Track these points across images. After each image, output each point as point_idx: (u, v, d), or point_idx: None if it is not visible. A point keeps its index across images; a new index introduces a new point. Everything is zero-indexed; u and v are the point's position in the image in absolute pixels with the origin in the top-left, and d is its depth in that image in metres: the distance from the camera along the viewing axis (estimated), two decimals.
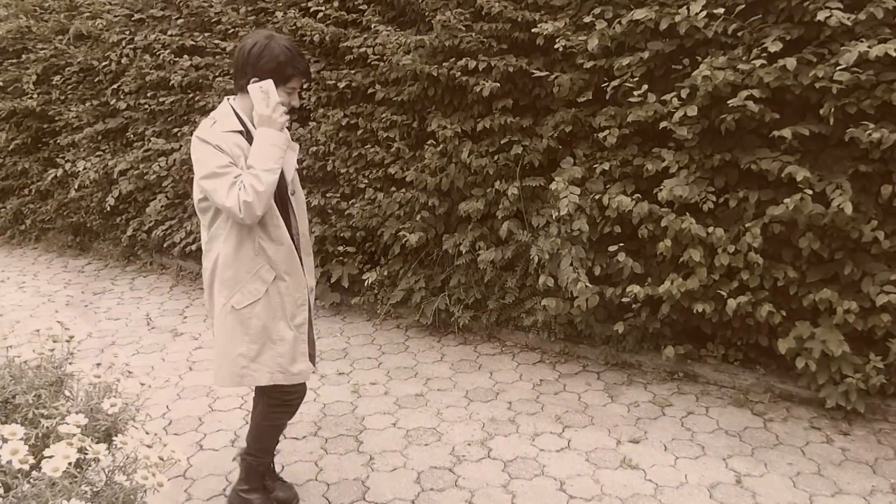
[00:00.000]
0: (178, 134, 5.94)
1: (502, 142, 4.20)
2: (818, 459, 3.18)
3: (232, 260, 2.45)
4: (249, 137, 2.42)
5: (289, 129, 2.64)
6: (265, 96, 2.34)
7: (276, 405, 2.67)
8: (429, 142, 4.44)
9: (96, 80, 6.65)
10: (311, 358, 2.71)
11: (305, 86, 2.51)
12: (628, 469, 3.13)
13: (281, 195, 2.53)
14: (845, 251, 3.47)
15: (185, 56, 5.72)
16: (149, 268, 6.54)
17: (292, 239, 2.56)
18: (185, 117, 5.99)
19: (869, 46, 2.99)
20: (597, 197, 3.88)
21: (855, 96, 3.20)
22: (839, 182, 3.31)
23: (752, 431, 3.44)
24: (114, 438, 1.71)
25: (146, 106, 6.19)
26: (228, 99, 2.50)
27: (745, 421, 3.53)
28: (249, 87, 2.36)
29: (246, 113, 2.46)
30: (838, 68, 3.12)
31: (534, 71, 3.99)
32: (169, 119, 6.13)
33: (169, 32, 5.91)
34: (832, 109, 3.23)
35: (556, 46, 3.82)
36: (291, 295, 2.53)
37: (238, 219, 2.32)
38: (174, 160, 5.78)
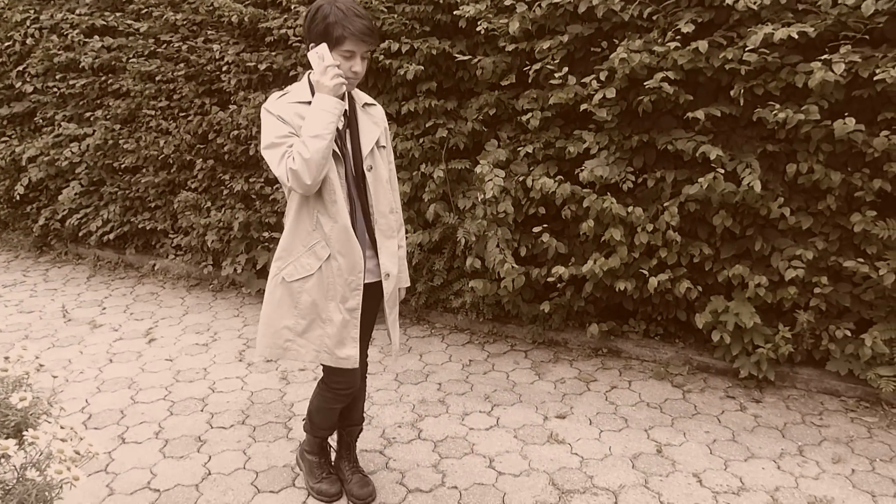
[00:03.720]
0: (91, 118, 5.69)
1: (427, 125, 4.20)
2: (733, 427, 3.34)
3: (290, 232, 2.41)
4: None
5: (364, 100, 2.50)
6: (320, 60, 2.23)
7: (325, 389, 2.64)
8: None
9: None
10: (395, 344, 2.68)
11: (366, 52, 2.32)
12: (555, 444, 3.20)
13: (356, 170, 2.43)
14: (755, 227, 3.64)
15: (96, 37, 5.48)
16: (63, 258, 6.26)
17: (366, 219, 2.46)
18: (99, 101, 5.73)
19: (773, 29, 3.12)
20: (521, 179, 3.93)
21: (762, 78, 3.34)
22: (749, 161, 3.45)
23: (672, 403, 3.57)
24: (24, 433, 1.64)
25: (55, 89, 5.90)
26: (309, 72, 2.42)
27: (665, 393, 3.67)
28: (308, 54, 2.26)
29: None
30: (746, 50, 3.25)
31: (457, 54, 4.00)
32: (81, 103, 5.86)
33: (77, 12, 5.64)
34: (741, 91, 3.36)
35: (478, 29, 3.83)
36: (344, 277, 2.40)
37: (288, 188, 2.28)
38: (87, 146, 5.54)
